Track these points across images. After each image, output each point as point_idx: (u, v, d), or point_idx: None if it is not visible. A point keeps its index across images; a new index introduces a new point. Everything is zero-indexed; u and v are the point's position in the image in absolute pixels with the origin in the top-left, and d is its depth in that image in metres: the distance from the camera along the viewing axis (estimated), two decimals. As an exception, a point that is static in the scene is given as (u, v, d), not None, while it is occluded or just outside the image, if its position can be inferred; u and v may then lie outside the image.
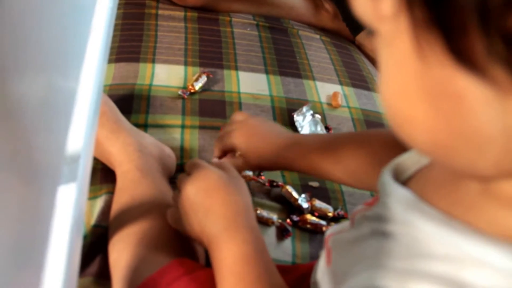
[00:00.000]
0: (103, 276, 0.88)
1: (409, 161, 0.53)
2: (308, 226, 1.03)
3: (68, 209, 0.72)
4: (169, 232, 0.84)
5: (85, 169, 0.78)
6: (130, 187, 0.92)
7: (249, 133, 0.89)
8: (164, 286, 0.72)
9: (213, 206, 0.68)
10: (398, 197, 0.48)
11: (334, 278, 0.56)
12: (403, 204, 0.47)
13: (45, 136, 0.51)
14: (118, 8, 1.42)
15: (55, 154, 0.52)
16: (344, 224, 0.67)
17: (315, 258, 0.93)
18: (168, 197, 0.94)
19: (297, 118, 1.20)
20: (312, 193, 1.08)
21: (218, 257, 0.67)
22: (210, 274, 0.77)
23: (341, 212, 1.10)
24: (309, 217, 1.04)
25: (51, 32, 0.52)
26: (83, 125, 0.80)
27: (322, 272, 0.62)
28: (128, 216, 0.87)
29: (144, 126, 1.13)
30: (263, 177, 1.07)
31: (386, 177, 0.52)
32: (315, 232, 1.04)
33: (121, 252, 0.82)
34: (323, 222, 1.06)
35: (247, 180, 1.05)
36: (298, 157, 0.84)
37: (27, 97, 0.49)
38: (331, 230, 0.66)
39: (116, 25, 1.37)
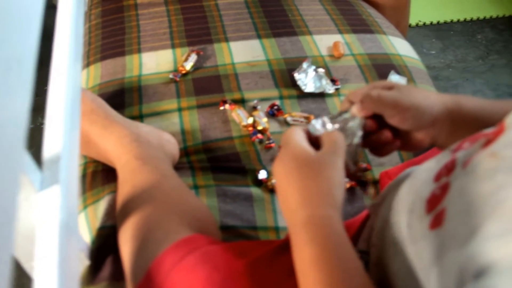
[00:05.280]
0: (117, 278, 0.82)
1: None
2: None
3: (54, 212, 0.66)
4: (174, 212, 0.78)
5: (69, 170, 0.72)
6: (130, 177, 0.87)
7: (411, 90, 0.67)
8: (164, 276, 0.65)
9: (287, 192, 0.58)
10: None
11: (446, 242, 0.46)
12: None
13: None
14: (96, 7, 1.36)
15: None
16: (428, 166, 0.57)
17: (344, 219, 0.86)
18: (173, 181, 0.88)
19: (299, 76, 1.12)
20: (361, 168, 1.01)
21: (293, 252, 0.57)
22: (222, 248, 0.71)
23: (364, 165, 1.01)
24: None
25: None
26: (60, 127, 0.75)
27: (412, 236, 0.52)
28: (131, 205, 0.82)
29: (139, 117, 1.07)
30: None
31: None
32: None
33: (126, 244, 0.76)
34: (345, 179, 0.98)
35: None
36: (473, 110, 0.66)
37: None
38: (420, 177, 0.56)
39: (96, 24, 1.32)
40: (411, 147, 0.69)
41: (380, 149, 0.69)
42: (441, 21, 2.50)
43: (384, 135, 0.67)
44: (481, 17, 2.52)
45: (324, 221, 0.55)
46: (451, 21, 2.51)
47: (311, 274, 0.52)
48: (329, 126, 0.65)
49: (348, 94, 0.69)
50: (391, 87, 0.66)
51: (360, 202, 0.97)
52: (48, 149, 0.71)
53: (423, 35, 2.45)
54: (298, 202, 0.56)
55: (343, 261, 0.53)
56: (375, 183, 1.00)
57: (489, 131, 0.51)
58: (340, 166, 0.58)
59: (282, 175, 0.59)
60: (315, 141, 0.61)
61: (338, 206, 0.56)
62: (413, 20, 2.47)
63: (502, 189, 0.42)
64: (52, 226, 0.64)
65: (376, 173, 1.01)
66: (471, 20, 2.52)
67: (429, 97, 0.65)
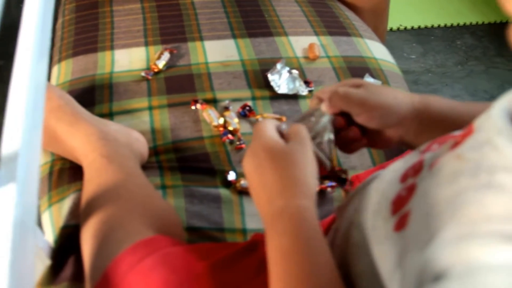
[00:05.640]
0: (79, 278, 0.80)
1: None
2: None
3: (9, 210, 0.64)
4: (137, 212, 0.77)
5: (28, 169, 0.71)
6: (95, 176, 0.86)
7: (379, 89, 0.67)
8: (121, 277, 0.64)
9: (259, 185, 0.57)
10: None
11: (408, 245, 0.46)
12: None
13: None
14: (70, 2, 1.34)
15: None
16: (395, 167, 0.56)
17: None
18: (139, 180, 0.87)
19: (272, 77, 1.11)
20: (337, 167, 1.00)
21: (267, 243, 0.57)
22: (183, 250, 0.69)
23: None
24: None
25: None
26: (20, 124, 0.73)
27: (377, 237, 0.52)
28: (94, 204, 0.80)
29: (109, 115, 1.05)
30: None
31: (498, 111, 0.43)
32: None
33: (86, 243, 0.75)
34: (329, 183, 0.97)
35: None
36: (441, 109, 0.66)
37: None
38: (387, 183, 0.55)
39: (70, 19, 1.30)
40: (379, 145, 0.69)
41: (348, 146, 0.69)
42: (422, 26, 2.51)
43: (352, 132, 0.67)
44: (461, 23, 2.54)
45: (299, 211, 0.54)
46: (432, 26, 2.52)
47: (281, 264, 0.52)
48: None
49: (317, 91, 0.69)
50: (360, 85, 0.66)
51: (329, 205, 0.96)
52: (7, 146, 0.69)
53: (404, 39, 2.46)
54: (272, 193, 0.56)
55: (314, 254, 0.52)
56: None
57: (458, 133, 0.50)
58: (311, 155, 0.58)
59: (254, 167, 0.58)
60: (283, 137, 0.61)
61: (312, 195, 0.56)
62: (394, 24, 2.48)
63: (463, 193, 0.42)
64: (6, 224, 0.62)
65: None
66: (452, 26, 2.54)
67: (397, 97, 0.65)
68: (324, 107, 0.66)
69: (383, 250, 0.50)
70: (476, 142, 0.45)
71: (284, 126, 0.62)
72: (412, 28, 2.50)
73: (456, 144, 0.48)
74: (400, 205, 0.50)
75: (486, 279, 0.35)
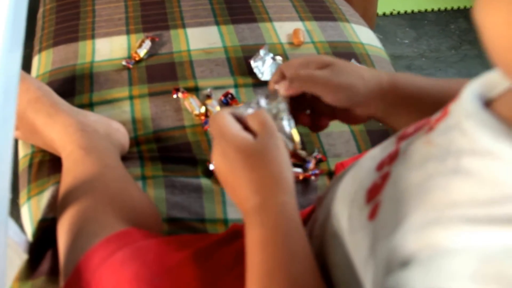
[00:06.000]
0: (56, 272, 0.79)
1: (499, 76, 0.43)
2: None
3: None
4: (112, 205, 0.75)
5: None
6: (73, 168, 0.84)
7: (345, 68, 0.64)
8: (92, 272, 0.62)
9: (235, 185, 0.55)
10: (483, 121, 0.38)
11: (379, 233, 0.45)
12: (490, 130, 0.37)
13: None
14: (51, -9, 1.31)
15: None
16: (373, 154, 0.55)
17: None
18: (116, 172, 0.85)
19: (255, 64, 1.09)
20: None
21: (245, 236, 0.56)
22: (157, 242, 0.68)
23: (319, 156, 0.99)
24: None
25: None
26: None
27: (352, 226, 0.50)
28: (70, 197, 0.79)
29: (90, 106, 1.03)
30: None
31: (468, 95, 0.41)
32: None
33: (62, 237, 0.73)
34: (298, 170, 0.95)
35: None
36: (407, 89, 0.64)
37: None
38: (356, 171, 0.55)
39: (51, 8, 1.27)
40: (350, 121, 0.68)
41: (314, 125, 0.68)
42: (415, 10, 2.48)
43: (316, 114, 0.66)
44: (455, 7, 2.51)
45: (279, 207, 0.53)
46: (425, 10, 2.49)
47: (257, 254, 0.51)
48: (254, 107, 0.61)
49: (282, 65, 0.66)
50: (326, 65, 0.64)
51: (313, 193, 0.94)
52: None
53: (397, 24, 2.43)
54: (250, 192, 0.54)
55: (292, 246, 0.51)
56: (331, 174, 0.98)
57: (434, 117, 0.49)
58: (282, 145, 0.56)
59: (226, 168, 0.55)
60: (241, 123, 0.58)
61: (290, 188, 0.54)
62: (387, 8, 2.45)
63: (431, 178, 0.41)
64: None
65: (332, 164, 0.99)
66: (445, 10, 2.51)
67: (364, 76, 0.63)
68: (282, 89, 0.63)
69: (357, 239, 0.49)
70: (446, 126, 0.43)
71: (241, 110, 0.59)
72: (405, 12, 2.47)
73: (430, 129, 0.46)
74: (374, 193, 0.49)
75: (449, 264, 0.35)
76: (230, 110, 0.58)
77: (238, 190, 0.54)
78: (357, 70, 0.63)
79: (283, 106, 0.61)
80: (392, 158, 0.50)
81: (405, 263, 0.38)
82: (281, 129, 0.60)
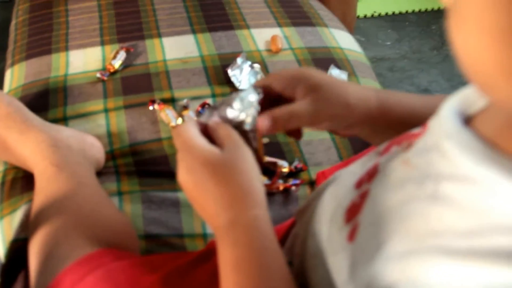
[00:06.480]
0: (29, 295, 0.76)
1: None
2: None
3: None
4: (84, 225, 0.73)
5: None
6: (45, 186, 0.82)
7: (330, 97, 0.60)
8: None
9: (203, 202, 0.52)
10: (463, 143, 0.35)
11: (358, 256, 0.43)
12: (471, 153, 0.34)
13: None
14: (24, 2, 1.29)
15: None
16: (353, 169, 0.53)
17: (276, 222, 0.81)
18: (90, 189, 0.83)
19: (233, 72, 1.07)
20: (266, 160, 0.95)
21: (218, 255, 0.53)
22: (129, 264, 0.66)
23: (299, 165, 0.97)
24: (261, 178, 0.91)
25: None
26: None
27: (332, 247, 0.49)
28: (41, 217, 0.76)
29: (64, 120, 1.01)
30: None
31: (447, 112, 0.39)
32: (271, 194, 0.92)
33: (32, 260, 0.70)
34: (278, 181, 0.93)
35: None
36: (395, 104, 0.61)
37: None
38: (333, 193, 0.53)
39: (23, 20, 1.25)
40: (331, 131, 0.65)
41: (292, 133, 0.64)
42: (396, 12, 2.48)
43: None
44: (436, 8, 2.51)
45: (251, 222, 0.50)
46: (406, 11, 2.49)
47: (231, 276, 0.49)
48: (215, 116, 0.58)
49: (270, 78, 0.61)
50: (312, 88, 0.59)
51: (294, 204, 0.93)
52: None
53: (378, 26, 2.42)
54: (220, 208, 0.51)
55: (267, 263, 0.49)
56: (312, 184, 0.96)
57: (415, 131, 0.47)
58: (250, 156, 0.53)
59: (193, 184, 0.52)
60: (205, 132, 0.55)
61: (262, 201, 0.52)
62: (368, 11, 2.45)
63: (409, 203, 0.39)
64: None
65: (313, 173, 0.97)
66: (426, 10, 2.51)
67: (349, 104, 0.58)
68: (264, 126, 0.59)
69: (337, 261, 0.47)
70: (425, 146, 0.41)
71: (204, 118, 0.56)
72: (387, 14, 2.47)
73: (409, 145, 0.44)
74: (353, 213, 0.47)
75: None
76: (193, 121, 0.55)
77: (207, 206, 0.52)
78: (343, 97, 0.58)
79: (252, 113, 0.58)
80: (371, 175, 0.48)
81: None
82: (246, 138, 0.57)
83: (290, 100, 0.59)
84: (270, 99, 0.60)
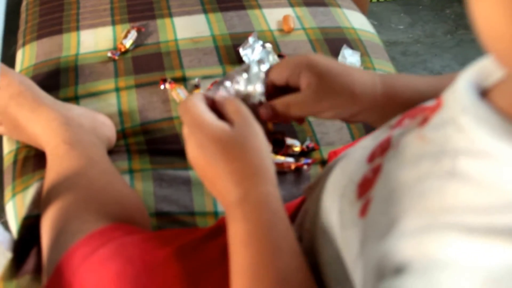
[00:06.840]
0: (41, 271, 0.76)
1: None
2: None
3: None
4: (95, 201, 0.73)
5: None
6: (56, 163, 0.82)
7: (333, 87, 0.58)
8: (74, 270, 0.60)
9: (214, 178, 0.52)
10: (481, 117, 0.35)
11: (370, 232, 0.42)
12: (489, 127, 0.34)
13: None
14: (35, -17, 1.28)
15: None
16: (364, 144, 0.52)
17: (287, 201, 0.81)
18: (101, 166, 0.82)
19: (244, 52, 1.06)
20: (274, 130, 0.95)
21: (228, 231, 0.53)
22: (141, 238, 0.65)
23: (311, 144, 0.96)
24: (272, 156, 0.91)
25: None
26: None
27: (343, 222, 0.48)
28: (53, 193, 0.76)
29: (75, 99, 1.00)
30: None
31: (463, 85, 0.38)
32: (283, 173, 0.91)
33: (45, 235, 0.71)
34: (290, 160, 0.93)
35: None
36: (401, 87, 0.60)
37: None
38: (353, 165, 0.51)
39: (34, 1, 1.24)
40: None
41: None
42: (410, -5, 2.45)
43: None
44: (450, -9, 2.48)
45: (261, 198, 0.50)
46: (420, -5, 2.46)
47: (241, 250, 0.48)
48: (227, 88, 0.58)
49: (271, 72, 0.60)
50: (315, 75, 0.57)
51: (306, 183, 0.92)
52: None
53: (392, 10, 2.40)
54: (230, 184, 0.51)
55: (277, 239, 0.49)
56: (323, 163, 0.96)
57: (429, 104, 0.46)
58: (260, 133, 0.53)
59: (204, 161, 0.52)
60: (213, 106, 0.55)
61: (272, 178, 0.52)
62: (381, -5, 2.42)
63: (425, 179, 0.38)
64: None
65: (325, 152, 0.96)
66: (440, -6, 2.48)
67: (353, 92, 0.57)
68: (266, 115, 0.59)
69: (348, 236, 0.46)
70: (441, 121, 0.40)
71: (211, 93, 0.55)
72: (400, -2, 2.44)
73: (424, 120, 0.43)
74: (365, 188, 0.46)
75: (442, 276, 0.32)
76: (201, 95, 0.55)
77: (218, 183, 0.51)
78: (348, 85, 0.57)
79: (258, 85, 0.57)
80: (384, 148, 0.47)
81: (399, 270, 0.36)
82: (255, 110, 0.56)
83: (296, 88, 0.59)
84: (279, 87, 0.59)
